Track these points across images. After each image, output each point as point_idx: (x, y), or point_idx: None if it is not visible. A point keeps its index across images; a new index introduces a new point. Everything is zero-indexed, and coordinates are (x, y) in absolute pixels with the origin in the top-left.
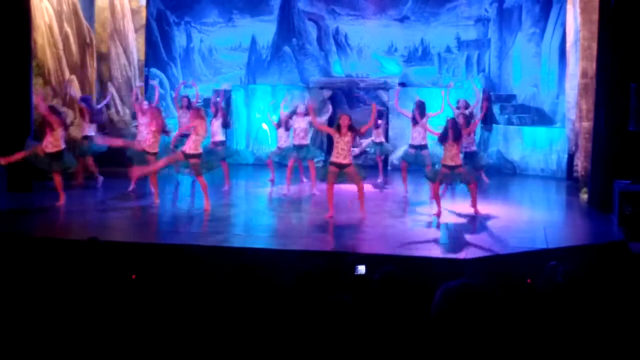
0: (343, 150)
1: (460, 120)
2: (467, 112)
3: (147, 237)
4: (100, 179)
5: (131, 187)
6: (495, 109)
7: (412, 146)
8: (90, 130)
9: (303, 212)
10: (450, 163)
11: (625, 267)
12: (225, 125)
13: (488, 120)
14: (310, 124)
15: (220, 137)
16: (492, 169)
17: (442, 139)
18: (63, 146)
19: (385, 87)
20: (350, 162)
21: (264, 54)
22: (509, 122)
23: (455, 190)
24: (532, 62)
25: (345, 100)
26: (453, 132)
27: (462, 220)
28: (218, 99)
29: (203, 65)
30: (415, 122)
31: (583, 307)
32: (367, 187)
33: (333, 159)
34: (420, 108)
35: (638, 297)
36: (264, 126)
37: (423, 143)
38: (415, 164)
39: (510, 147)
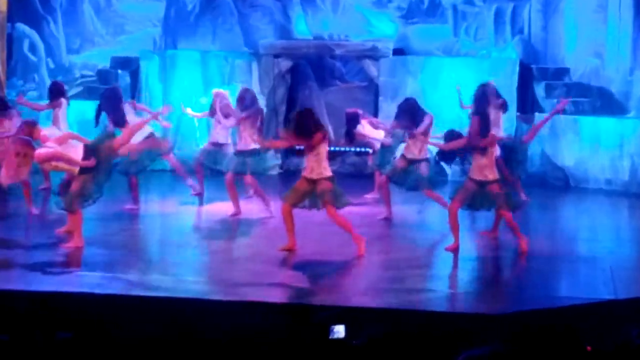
0: (308, 161)
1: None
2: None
3: (15, 282)
4: None
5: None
6: (539, 89)
7: (404, 158)
8: None
9: (249, 244)
10: (477, 177)
11: None
12: None
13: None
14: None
15: None
16: (533, 180)
17: (473, 142)
18: None
19: (374, 55)
20: (320, 177)
21: (189, 5)
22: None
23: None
24: (594, 20)
25: (312, 74)
26: (483, 134)
27: (489, 257)
28: None
29: (97, 20)
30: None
31: None
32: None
33: (303, 172)
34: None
35: None
36: (188, 111)
37: (420, 157)
38: (405, 185)
39: (561, 147)
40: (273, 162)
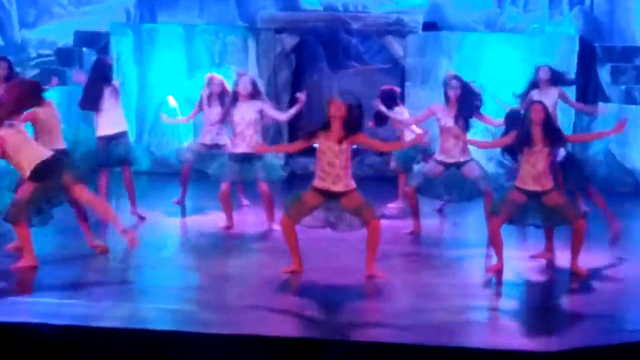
0: (332, 167)
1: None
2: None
3: None
4: None
5: None
6: (604, 73)
7: (441, 163)
8: None
9: (244, 263)
10: (531, 187)
11: None
12: None
13: None
14: (263, 114)
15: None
16: (596, 185)
17: (524, 140)
18: None
19: (400, 30)
20: (348, 189)
21: None
22: (628, 99)
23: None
24: None
25: (323, 54)
26: (544, 129)
27: (541, 281)
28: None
29: None
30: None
31: None
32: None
33: (317, 181)
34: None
35: None
36: (171, 102)
37: (464, 159)
38: (436, 196)
39: (630, 145)
40: (280, 165)
